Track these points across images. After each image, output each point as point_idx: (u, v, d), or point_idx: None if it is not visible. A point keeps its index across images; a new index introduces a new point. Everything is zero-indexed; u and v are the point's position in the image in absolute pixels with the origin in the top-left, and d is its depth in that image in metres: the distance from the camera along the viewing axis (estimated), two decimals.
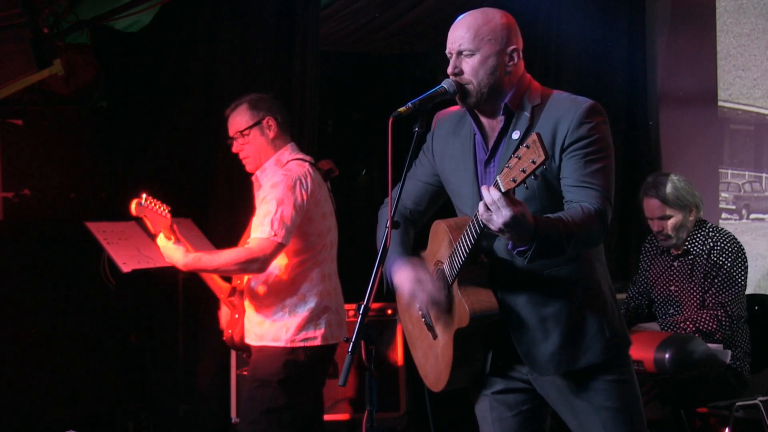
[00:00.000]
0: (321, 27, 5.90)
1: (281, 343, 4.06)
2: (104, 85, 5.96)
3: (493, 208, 2.58)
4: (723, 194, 6.06)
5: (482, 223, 2.64)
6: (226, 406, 5.41)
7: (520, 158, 2.51)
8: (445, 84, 3.05)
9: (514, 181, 2.52)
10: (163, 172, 5.67)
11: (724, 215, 6.04)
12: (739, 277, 4.57)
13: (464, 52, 2.94)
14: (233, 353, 5.28)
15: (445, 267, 2.97)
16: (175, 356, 5.45)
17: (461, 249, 2.86)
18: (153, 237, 4.18)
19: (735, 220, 6.04)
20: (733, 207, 6.07)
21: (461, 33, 2.96)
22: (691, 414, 4.72)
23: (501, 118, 2.95)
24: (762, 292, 5.61)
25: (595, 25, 6.00)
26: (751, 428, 4.79)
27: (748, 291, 4.72)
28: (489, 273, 2.91)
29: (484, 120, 3.00)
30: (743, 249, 4.64)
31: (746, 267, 4.62)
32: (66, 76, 5.16)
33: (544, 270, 2.90)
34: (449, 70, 2.97)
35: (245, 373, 4.65)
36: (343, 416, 5.36)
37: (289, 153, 4.21)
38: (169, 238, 4.04)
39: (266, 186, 4.10)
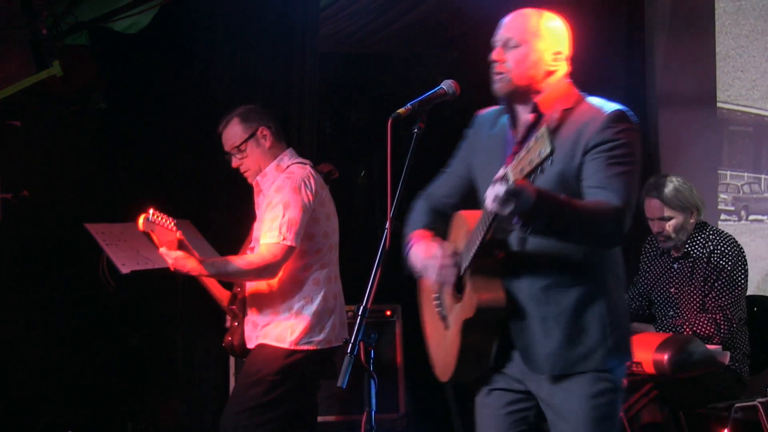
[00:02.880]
0: (320, 28, 5.91)
1: (285, 345, 4.06)
2: (103, 86, 5.97)
3: (500, 200, 2.59)
4: (722, 195, 6.06)
5: (491, 211, 2.66)
6: (224, 407, 5.41)
7: (529, 150, 2.52)
8: (445, 85, 3.06)
9: (522, 171, 2.53)
10: (162, 173, 5.67)
11: (723, 216, 6.04)
12: (740, 280, 4.57)
13: (510, 43, 2.97)
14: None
15: (461, 257, 2.97)
16: (173, 357, 5.46)
17: (475, 240, 2.86)
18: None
19: (734, 221, 6.04)
20: (732, 208, 6.07)
21: (512, 24, 3.00)
22: (689, 415, 4.72)
23: (531, 117, 2.97)
24: (761, 293, 5.60)
25: (594, 27, 6.00)
26: (750, 429, 4.79)
27: (748, 292, 4.72)
28: (501, 267, 2.91)
29: (519, 114, 3.01)
30: (744, 252, 4.64)
31: (746, 269, 4.62)
32: (65, 78, 5.14)
33: (552, 269, 2.91)
34: (492, 56, 3.00)
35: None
36: (341, 417, 5.35)
37: (288, 158, 4.21)
38: (177, 250, 4.03)
39: (270, 191, 4.10)
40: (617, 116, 2.88)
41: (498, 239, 2.90)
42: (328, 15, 6.10)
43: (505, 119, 3.07)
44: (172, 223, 4.04)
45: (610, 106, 2.93)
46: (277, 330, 4.08)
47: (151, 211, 3.99)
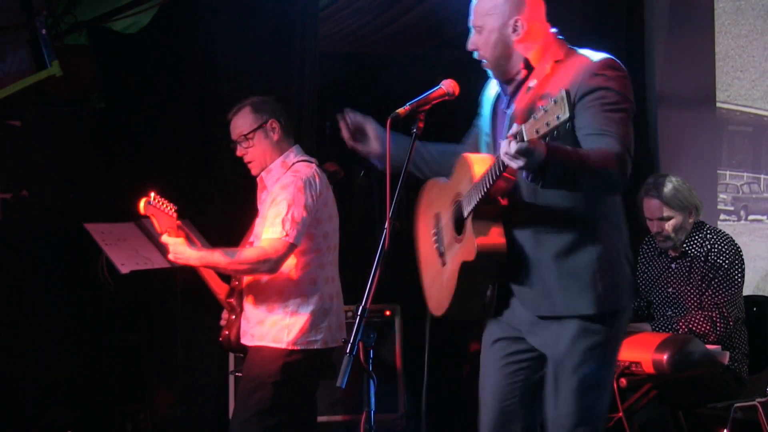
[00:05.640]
0: (320, 28, 5.91)
1: (282, 345, 4.05)
2: (103, 86, 5.97)
3: (513, 155, 2.67)
4: (721, 195, 6.06)
5: (503, 163, 2.74)
6: (224, 406, 5.42)
7: (546, 111, 2.56)
8: (444, 85, 3.06)
9: (537, 132, 2.58)
10: (161, 173, 5.67)
11: (722, 216, 6.04)
12: (737, 278, 4.58)
13: (475, 29, 3.08)
14: (231, 354, 5.27)
15: (464, 200, 3.03)
16: (173, 357, 5.46)
17: (482, 186, 2.91)
18: (155, 239, 4.17)
19: (733, 221, 6.04)
20: (732, 208, 6.07)
21: (473, 9, 3.11)
22: (689, 415, 4.72)
23: (523, 72, 3.04)
24: (760, 293, 5.61)
25: (594, 27, 6.01)
26: (749, 429, 4.79)
27: (746, 292, 4.73)
28: (503, 214, 2.98)
29: (511, 69, 3.09)
30: (741, 251, 4.65)
31: (743, 269, 4.63)
32: (64, 78, 5.14)
33: (547, 216, 2.98)
34: (467, 46, 3.12)
35: (239, 374, 4.65)
36: (341, 417, 5.35)
37: (294, 155, 4.21)
38: (177, 237, 4.03)
39: (275, 188, 4.09)
40: (605, 64, 2.95)
41: (503, 187, 2.96)
42: (327, 15, 6.10)
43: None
44: (173, 209, 4.03)
45: (598, 55, 2.99)
46: (274, 330, 4.07)
47: (152, 194, 3.98)
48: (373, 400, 2.96)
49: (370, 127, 3.31)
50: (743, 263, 4.63)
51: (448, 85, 3.12)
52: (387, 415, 5.36)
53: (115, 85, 5.96)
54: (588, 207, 2.98)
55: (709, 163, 6.10)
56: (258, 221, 4.18)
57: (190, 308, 5.45)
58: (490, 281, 3.07)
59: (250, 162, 4.21)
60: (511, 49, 3.04)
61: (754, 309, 4.83)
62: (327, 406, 5.14)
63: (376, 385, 3.00)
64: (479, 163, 3.00)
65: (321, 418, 4.51)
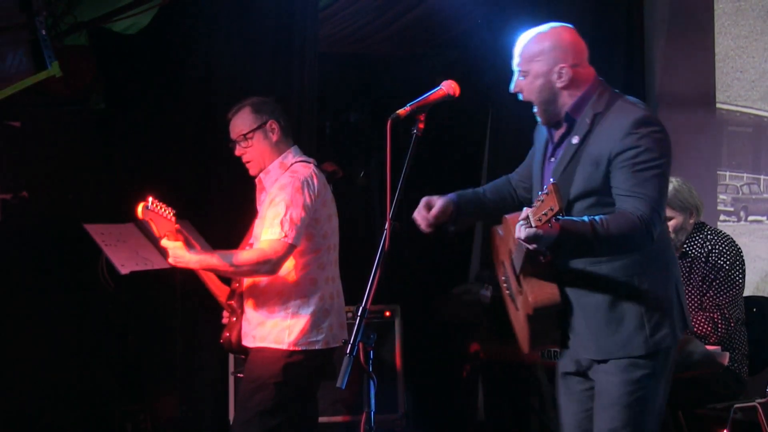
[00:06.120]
0: (320, 28, 5.90)
1: (283, 346, 4.05)
2: (103, 86, 5.96)
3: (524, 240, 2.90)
4: (721, 196, 6.06)
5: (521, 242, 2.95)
6: (224, 407, 5.42)
7: (543, 201, 2.79)
8: (444, 86, 3.07)
9: (540, 220, 2.81)
10: (161, 173, 5.67)
11: (722, 217, 6.04)
12: (738, 280, 4.58)
13: (520, 73, 3.18)
14: (231, 354, 5.27)
15: (514, 259, 3.21)
16: (173, 357, 5.45)
17: (521, 248, 3.07)
18: (154, 240, 4.16)
19: (733, 222, 6.04)
20: (731, 209, 6.07)
21: (517, 52, 3.19)
22: (689, 415, 4.72)
23: (565, 125, 3.18)
24: (760, 294, 5.60)
25: (594, 27, 6.01)
26: (749, 430, 4.79)
27: (746, 293, 4.73)
28: (550, 267, 3.14)
29: (552, 128, 3.24)
30: (741, 251, 4.65)
31: (744, 269, 4.63)
32: (64, 78, 5.14)
33: (586, 266, 3.13)
34: (511, 88, 3.21)
35: (240, 375, 4.65)
36: (341, 418, 5.35)
37: (293, 156, 4.21)
38: (176, 241, 4.02)
39: (273, 189, 4.10)
40: (638, 122, 3.05)
41: (540, 249, 3.09)
42: (327, 15, 6.10)
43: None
44: (171, 213, 4.02)
45: (631, 111, 3.10)
46: (275, 331, 4.07)
47: (150, 199, 3.97)
48: (373, 400, 2.96)
49: (440, 206, 3.36)
50: (744, 264, 4.63)
51: (448, 86, 3.12)
52: (387, 416, 5.36)
53: (115, 85, 5.96)
54: (630, 254, 3.12)
55: (709, 164, 6.09)
56: (257, 222, 4.19)
57: (190, 308, 5.45)
58: (557, 326, 3.24)
59: (248, 162, 4.21)
60: (556, 95, 3.14)
61: (754, 309, 4.83)
62: (327, 407, 5.14)
63: (376, 385, 3.00)
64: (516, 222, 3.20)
65: (321, 419, 4.51)
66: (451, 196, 3.36)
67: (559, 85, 3.13)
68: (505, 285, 3.42)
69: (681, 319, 3.22)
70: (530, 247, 2.92)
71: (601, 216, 3.00)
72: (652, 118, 3.11)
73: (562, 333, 3.25)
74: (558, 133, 3.20)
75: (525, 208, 2.88)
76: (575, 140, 3.12)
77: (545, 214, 2.79)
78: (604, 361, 3.17)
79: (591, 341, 3.16)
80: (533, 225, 2.83)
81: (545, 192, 2.78)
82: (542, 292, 3.13)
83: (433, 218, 3.29)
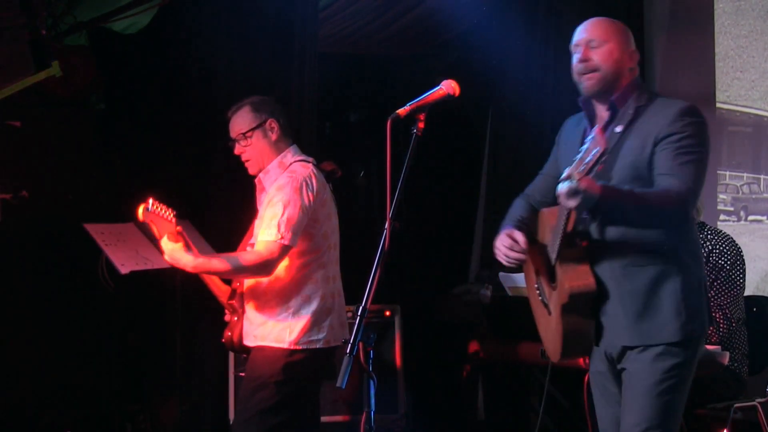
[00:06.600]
0: (319, 29, 5.90)
1: (284, 345, 4.05)
2: (102, 86, 5.96)
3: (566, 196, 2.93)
4: (721, 196, 6.06)
5: (562, 206, 3.00)
6: (224, 407, 5.42)
7: (585, 151, 2.85)
8: (444, 86, 3.07)
9: (582, 170, 2.85)
10: (161, 173, 5.68)
11: (722, 217, 6.04)
12: (738, 280, 4.58)
13: (592, 43, 3.25)
14: (231, 354, 5.27)
15: (549, 249, 3.23)
16: (173, 357, 5.45)
17: (558, 232, 3.14)
18: (154, 240, 4.16)
19: (733, 221, 6.04)
20: (731, 209, 6.07)
21: (591, 28, 3.30)
22: (689, 415, 4.72)
23: (608, 113, 3.26)
24: (760, 293, 5.61)
25: None
26: (749, 430, 4.79)
27: (747, 292, 4.73)
28: (586, 254, 3.19)
29: (599, 109, 3.29)
30: (741, 251, 4.65)
31: (744, 269, 4.63)
32: (64, 78, 5.14)
33: (630, 251, 3.18)
34: (577, 58, 3.26)
35: (241, 374, 4.64)
36: (341, 418, 5.35)
37: (291, 155, 4.21)
38: (176, 242, 4.02)
39: (271, 189, 4.09)
40: (686, 110, 3.21)
41: (578, 230, 3.20)
42: (327, 15, 6.10)
43: (585, 121, 3.35)
44: (172, 215, 4.02)
45: (679, 102, 3.25)
46: (275, 330, 4.07)
47: (150, 201, 3.96)
48: (373, 400, 2.97)
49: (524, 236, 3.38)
50: (744, 264, 4.64)
51: (448, 86, 3.11)
52: (387, 416, 5.36)
53: (115, 85, 5.96)
54: (667, 239, 3.19)
55: (709, 164, 6.08)
56: (256, 222, 4.19)
57: (190, 308, 5.45)
58: (591, 318, 3.25)
59: (247, 161, 4.21)
60: (622, 72, 3.25)
61: (754, 309, 4.83)
62: (327, 406, 5.14)
63: (376, 385, 3.00)
64: (555, 213, 3.21)
65: (321, 419, 4.50)
66: (514, 227, 3.38)
67: (628, 64, 3.26)
68: (537, 292, 3.42)
69: (708, 314, 3.28)
70: (572, 204, 2.93)
71: (635, 187, 3.11)
72: (697, 109, 3.25)
73: (595, 326, 3.26)
74: (602, 123, 3.27)
75: (566, 169, 2.91)
76: (618, 129, 3.21)
77: (588, 162, 2.83)
78: (638, 348, 3.19)
79: (626, 327, 3.19)
80: (575, 179, 2.87)
81: (590, 138, 2.83)
82: (578, 277, 3.16)
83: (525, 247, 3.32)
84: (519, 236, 3.29)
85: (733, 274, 4.56)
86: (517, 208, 3.52)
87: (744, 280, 4.62)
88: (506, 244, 3.29)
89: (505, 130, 6.53)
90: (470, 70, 6.20)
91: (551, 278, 3.27)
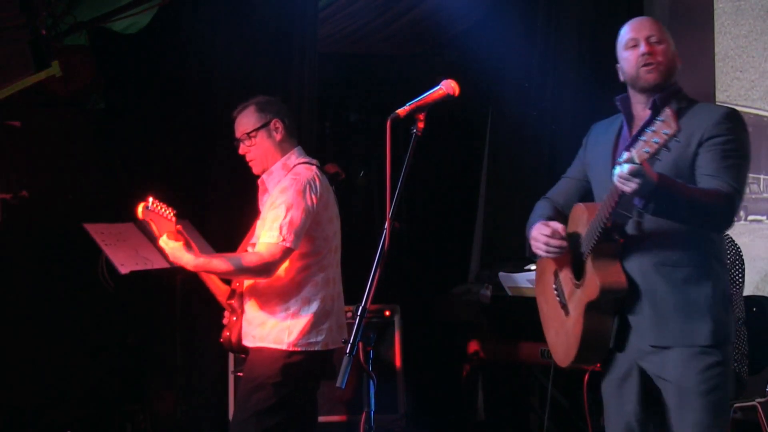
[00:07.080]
0: (319, 28, 5.91)
1: (283, 346, 4.05)
2: (102, 86, 5.97)
3: (626, 177, 2.88)
4: None
5: (617, 189, 2.93)
6: (223, 407, 5.42)
7: (654, 131, 2.77)
8: (444, 85, 3.06)
9: (647, 152, 2.78)
10: (161, 173, 5.68)
11: None
12: (738, 279, 4.58)
13: (652, 38, 3.31)
14: (231, 354, 5.27)
15: (582, 243, 3.20)
16: (172, 357, 5.46)
17: (597, 225, 3.11)
18: (154, 240, 4.16)
19: None
20: None
21: (649, 25, 3.37)
22: None
23: (647, 112, 3.25)
24: (760, 293, 5.61)
25: (594, 27, 6.01)
26: (749, 430, 4.79)
27: (746, 292, 4.73)
28: (621, 252, 3.16)
29: (637, 108, 3.30)
30: (741, 251, 4.65)
31: (744, 269, 4.63)
32: (64, 78, 5.15)
33: (664, 250, 3.16)
34: (643, 49, 3.28)
35: (239, 374, 4.64)
36: (340, 418, 5.35)
37: (296, 157, 4.20)
38: (176, 241, 4.02)
39: (275, 191, 4.09)
40: (731, 114, 3.25)
41: (618, 225, 3.15)
42: (327, 15, 6.11)
43: (618, 122, 3.37)
44: (172, 213, 4.02)
45: (723, 106, 3.30)
46: (275, 331, 4.07)
47: (150, 199, 3.96)
48: (372, 400, 2.97)
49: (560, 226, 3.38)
50: (743, 263, 4.64)
51: (448, 86, 3.11)
52: (387, 416, 5.36)
53: (115, 85, 5.96)
54: (700, 243, 3.19)
55: None
56: (258, 223, 4.18)
57: (190, 308, 5.45)
58: (613, 318, 3.22)
59: (251, 161, 4.21)
60: (675, 69, 3.31)
61: (754, 309, 4.83)
62: (327, 407, 5.13)
63: (376, 385, 3.00)
64: (591, 208, 3.21)
65: (321, 418, 4.50)
66: (546, 221, 3.36)
67: (677, 64, 3.31)
68: (555, 293, 3.39)
69: (734, 319, 3.28)
70: (631, 187, 2.87)
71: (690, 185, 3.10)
72: (740, 114, 3.28)
73: (617, 331, 3.22)
74: (639, 122, 3.28)
75: (625, 153, 2.86)
76: None
77: (656, 142, 2.76)
78: (667, 349, 3.15)
79: (653, 328, 3.15)
80: (637, 161, 2.81)
81: (659, 120, 2.77)
82: (610, 274, 3.11)
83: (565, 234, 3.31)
84: (557, 225, 3.28)
85: (733, 273, 4.56)
86: (542, 208, 3.50)
87: (743, 280, 4.62)
88: (546, 233, 3.27)
89: (505, 129, 6.53)
90: (470, 70, 6.21)
91: (577, 275, 3.23)
